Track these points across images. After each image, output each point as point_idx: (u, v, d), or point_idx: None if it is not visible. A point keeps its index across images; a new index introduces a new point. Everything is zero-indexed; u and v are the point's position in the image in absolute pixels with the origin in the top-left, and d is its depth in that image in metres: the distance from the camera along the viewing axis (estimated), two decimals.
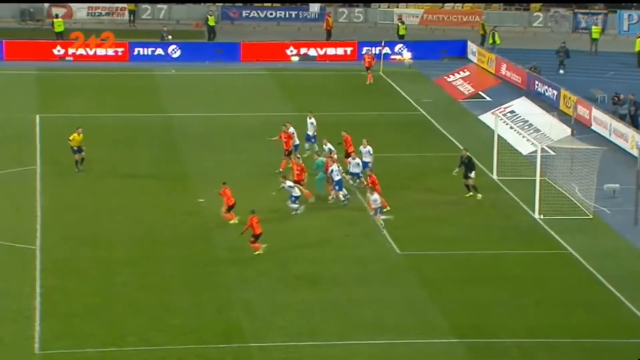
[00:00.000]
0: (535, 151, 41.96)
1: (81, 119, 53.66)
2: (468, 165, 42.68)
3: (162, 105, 57.13)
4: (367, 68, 62.21)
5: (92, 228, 38.92)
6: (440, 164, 47.45)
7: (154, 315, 32.22)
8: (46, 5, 76.90)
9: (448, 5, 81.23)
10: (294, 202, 40.24)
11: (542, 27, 79.73)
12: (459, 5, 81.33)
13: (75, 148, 44.79)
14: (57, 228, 38.83)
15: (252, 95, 59.60)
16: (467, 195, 42.63)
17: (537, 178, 41.19)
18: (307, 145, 46.72)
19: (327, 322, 32.17)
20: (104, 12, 77.91)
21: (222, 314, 32.43)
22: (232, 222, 38.73)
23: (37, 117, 53.41)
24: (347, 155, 44.41)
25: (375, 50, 67.56)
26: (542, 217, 40.72)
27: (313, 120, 47.33)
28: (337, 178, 41.50)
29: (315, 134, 46.96)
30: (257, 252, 36.49)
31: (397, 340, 31.11)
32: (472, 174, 42.69)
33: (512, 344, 31.10)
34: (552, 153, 44.23)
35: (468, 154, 42.97)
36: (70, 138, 44.87)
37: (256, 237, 36.48)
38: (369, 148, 43.77)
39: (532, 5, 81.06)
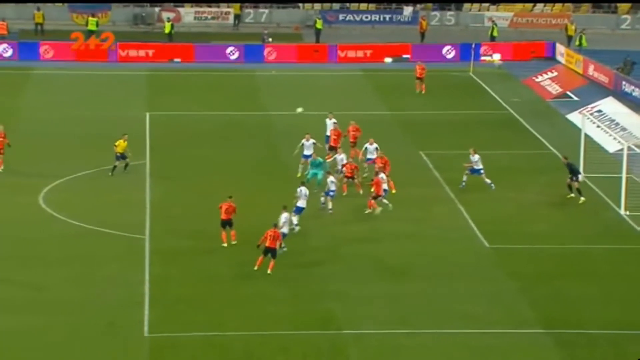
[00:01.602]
0: (622, 149, 42.50)
1: (187, 117, 55.39)
2: (572, 170, 42.86)
3: (262, 104, 58.20)
4: (418, 78, 60.66)
5: (196, 221, 40.33)
6: (528, 162, 48.14)
7: (253, 304, 33.44)
8: (157, 9, 79.61)
9: (537, 8, 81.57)
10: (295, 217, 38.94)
11: (630, 29, 79.77)
12: (548, 8, 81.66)
13: (118, 154, 44.88)
14: (164, 220, 40.43)
15: (347, 95, 60.64)
16: (569, 196, 42.78)
17: (624, 175, 41.67)
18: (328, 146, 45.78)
19: (417, 313, 33.04)
20: (209, 17, 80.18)
21: (317, 304, 33.50)
22: (224, 244, 37.67)
23: (147, 115, 55.29)
24: (353, 145, 45.04)
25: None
26: (627, 213, 41.27)
27: (334, 120, 46.82)
28: (331, 187, 40.88)
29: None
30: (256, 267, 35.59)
31: (486, 330, 31.83)
32: (579, 178, 42.93)
33: (600, 335, 31.56)
34: (639, 151, 44.49)
35: (568, 160, 43.09)
36: (116, 144, 44.74)
37: (266, 251, 35.36)
38: (477, 156, 43.58)
39: (620, 7, 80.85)
